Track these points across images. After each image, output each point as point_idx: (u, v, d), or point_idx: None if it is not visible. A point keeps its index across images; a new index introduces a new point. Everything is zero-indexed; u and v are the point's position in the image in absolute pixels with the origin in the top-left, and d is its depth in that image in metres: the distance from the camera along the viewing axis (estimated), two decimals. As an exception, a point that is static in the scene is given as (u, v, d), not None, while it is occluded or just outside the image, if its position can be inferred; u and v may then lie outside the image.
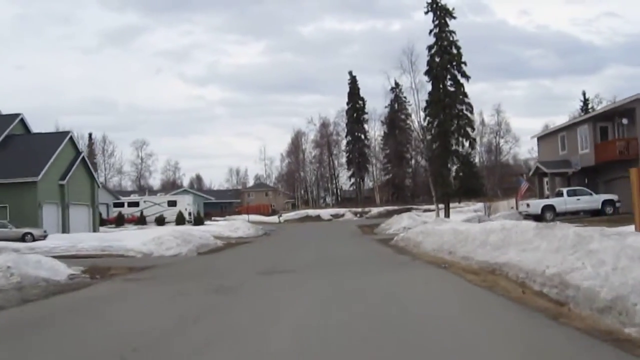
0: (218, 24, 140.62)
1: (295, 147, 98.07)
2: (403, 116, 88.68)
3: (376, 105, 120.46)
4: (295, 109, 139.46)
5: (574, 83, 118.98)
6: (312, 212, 75.19)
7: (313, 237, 38.03)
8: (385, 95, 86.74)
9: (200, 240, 29.22)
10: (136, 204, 64.63)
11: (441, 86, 37.28)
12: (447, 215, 38.91)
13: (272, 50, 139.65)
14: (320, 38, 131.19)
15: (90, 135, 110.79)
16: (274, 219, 74.78)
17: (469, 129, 36.85)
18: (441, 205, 43.21)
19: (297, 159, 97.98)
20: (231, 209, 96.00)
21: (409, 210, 73.04)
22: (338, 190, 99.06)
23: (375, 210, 74.22)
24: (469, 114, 37.07)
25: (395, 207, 73.92)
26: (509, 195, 60.60)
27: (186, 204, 64.89)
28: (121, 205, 64.40)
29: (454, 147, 37.78)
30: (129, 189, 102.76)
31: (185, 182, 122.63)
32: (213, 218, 77.85)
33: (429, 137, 41.11)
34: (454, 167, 43.46)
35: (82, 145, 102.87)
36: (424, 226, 24.79)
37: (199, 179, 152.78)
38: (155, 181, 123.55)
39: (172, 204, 64.15)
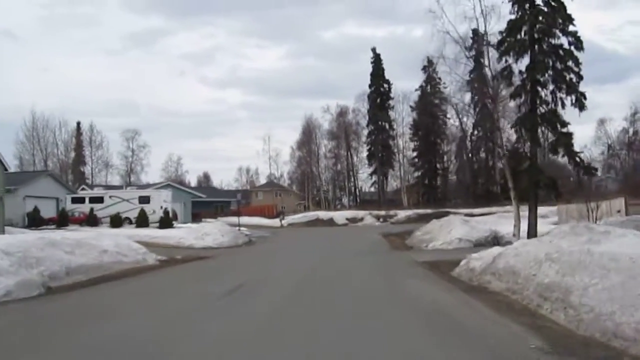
0: (240, 27, 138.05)
1: (307, 138, 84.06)
2: (437, 100, 74.22)
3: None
4: (316, 113, 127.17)
5: (596, 92, 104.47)
6: (323, 214, 61.21)
7: (313, 252, 25.22)
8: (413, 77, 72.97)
9: (84, 257, 15.45)
10: (100, 200, 51.21)
11: (527, 5, 22.44)
12: (531, 223, 24.33)
13: (293, 54, 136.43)
14: (341, 43, 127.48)
15: (78, 124, 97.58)
16: (276, 222, 60.95)
17: (573, 77, 21.84)
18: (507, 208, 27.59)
19: (309, 151, 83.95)
20: (228, 209, 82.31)
21: (445, 214, 58.80)
22: (357, 190, 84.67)
23: (402, 214, 60.08)
24: (575, 51, 21.96)
25: (428, 211, 59.63)
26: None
27: (162, 201, 51.11)
28: (81, 200, 51.11)
29: (550, 106, 22.61)
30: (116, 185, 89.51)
31: (193, 181, 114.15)
32: (203, 219, 64.66)
33: (502, 89, 26.37)
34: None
35: (68, 134, 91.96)
36: (553, 245, 10.40)
37: (206, 177, 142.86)
38: (150, 177, 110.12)
39: (144, 200, 50.56)
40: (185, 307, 9.92)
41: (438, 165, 75.49)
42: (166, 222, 40.28)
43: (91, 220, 43.12)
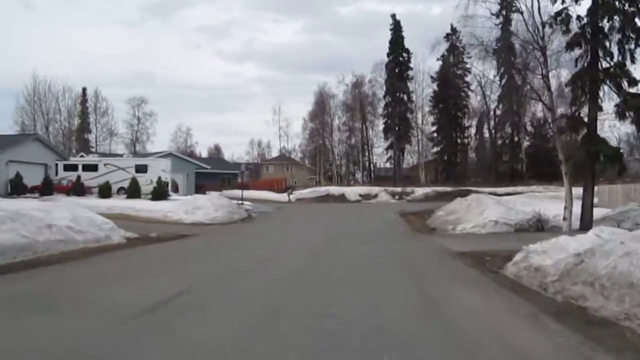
0: (256, 1, 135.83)
1: (321, 109, 79.51)
2: (460, 71, 69.34)
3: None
4: (330, 83, 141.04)
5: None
6: (335, 189, 56.95)
7: (318, 234, 21.21)
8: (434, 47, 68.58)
9: (10, 233, 11.58)
10: (94, 168, 47.46)
11: None
12: (586, 206, 19.70)
13: (310, 29, 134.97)
14: (358, 19, 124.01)
15: (84, 90, 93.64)
16: (284, 196, 56.86)
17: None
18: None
19: (322, 123, 79.52)
20: (235, 182, 78.35)
21: (466, 192, 54.41)
22: (371, 165, 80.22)
23: (419, 192, 55.73)
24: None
25: (448, 189, 55.39)
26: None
27: (160, 171, 47.21)
28: (73, 168, 47.41)
29: (616, 60, 17.84)
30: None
31: (204, 154, 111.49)
32: (208, 192, 60.78)
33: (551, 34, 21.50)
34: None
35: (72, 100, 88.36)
36: None
37: (217, 149, 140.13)
38: (157, 147, 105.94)
39: (141, 169, 46.91)
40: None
41: (459, 141, 70.63)
42: (159, 193, 36.35)
43: (78, 189, 39.27)
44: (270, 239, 19.42)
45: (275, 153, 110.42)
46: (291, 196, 55.23)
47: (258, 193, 61.58)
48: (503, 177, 63.35)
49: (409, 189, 56.85)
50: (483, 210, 22.61)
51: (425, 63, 72.17)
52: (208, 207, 28.38)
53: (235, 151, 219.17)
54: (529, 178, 59.93)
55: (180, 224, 25.59)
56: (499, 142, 67.49)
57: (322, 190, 56.83)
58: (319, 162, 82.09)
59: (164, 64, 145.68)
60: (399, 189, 56.90)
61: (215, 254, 15.13)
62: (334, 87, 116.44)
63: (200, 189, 64.92)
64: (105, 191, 38.42)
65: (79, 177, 41.01)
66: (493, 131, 68.03)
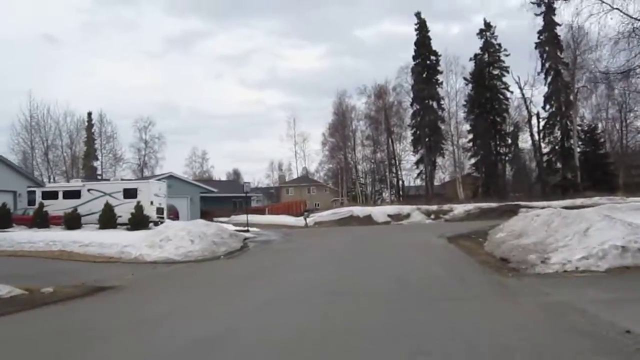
0: (277, 28, 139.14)
1: (340, 121, 71.80)
2: (497, 71, 61.24)
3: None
4: (350, 90, 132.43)
5: None
6: (359, 210, 48.85)
7: (330, 278, 13.26)
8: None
9: None
10: (76, 194, 40.53)
11: None
12: None
13: (331, 54, 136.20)
14: (378, 41, 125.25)
15: (89, 115, 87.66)
16: (302, 220, 49.07)
17: None
18: None
19: (342, 137, 71.62)
20: (248, 206, 70.94)
21: (515, 208, 46.21)
22: (400, 182, 71.96)
23: (459, 209, 47.46)
24: None
25: (492, 205, 47.28)
26: None
27: (152, 195, 40.07)
28: (53, 195, 40.69)
29: None
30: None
31: (223, 178, 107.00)
32: (214, 218, 53.55)
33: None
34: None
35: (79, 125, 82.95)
36: None
37: (236, 174, 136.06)
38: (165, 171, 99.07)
39: (129, 194, 39.77)
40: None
41: (499, 149, 62.11)
42: (138, 221, 28.83)
43: (40, 220, 31.90)
44: (241, 299, 11.47)
45: (295, 175, 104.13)
46: (308, 219, 47.36)
47: (271, 218, 54.07)
48: (552, 189, 54.92)
49: (446, 207, 48.60)
50: (586, 230, 14.53)
51: (457, 64, 63.43)
52: (182, 237, 20.76)
53: (257, 177, 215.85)
54: (583, 189, 51.37)
55: (140, 262, 18.09)
56: (547, 148, 58.83)
57: (345, 211, 48.82)
58: (340, 181, 74.29)
59: (188, 95, 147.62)
60: (434, 207, 48.69)
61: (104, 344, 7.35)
62: (355, 99, 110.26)
63: (206, 215, 57.60)
64: (72, 221, 31.18)
65: (41, 206, 33.75)
66: (537, 137, 59.45)
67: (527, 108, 59.64)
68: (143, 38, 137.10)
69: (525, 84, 59.09)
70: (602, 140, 59.47)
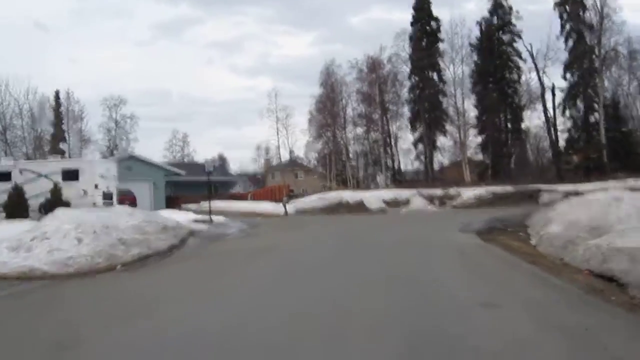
0: (268, 15, 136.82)
1: (328, 95, 63.91)
2: (507, 36, 53.63)
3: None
4: (339, 59, 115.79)
5: None
6: (349, 195, 41.39)
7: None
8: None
9: None
10: (6, 177, 32.83)
11: None
12: None
13: (322, 41, 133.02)
14: (369, 28, 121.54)
15: (57, 94, 79.17)
16: (289, 207, 41.49)
17: None
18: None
19: (331, 114, 63.72)
20: (226, 191, 63.44)
21: (535, 192, 39.16)
22: (396, 164, 64.23)
23: (468, 194, 40.24)
24: None
25: (509, 188, 40.25)
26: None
27: (98, 177, 32.56)
28: (-21, 178, 32.79)
29: None
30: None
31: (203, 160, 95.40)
32: (183, 205, 46.57)
33: None
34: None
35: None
36: None
37: (222, 159, 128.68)
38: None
39: (70, 175, 32.24)
40: None
41: (509, 126, 54.45)
42: (16, 210, 21.29)
43: None
44: None
45: (283, 159, 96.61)
46: (288, 207, 39.76)
47: (248, 205, 46.66)
48: (574, 171, 47.57)
49: (452, 191, 41.19)
50: None
51: (464, 26, 55.75)
52: (66, 233, 13.17)
53: (245, 163, 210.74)
54: (610, 170, 44.07)
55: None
56: (563, 125, 51.13)
57: (332, 196, 41.29)
58: (329, 163, 66.66)
59: (179, 81, 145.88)
60: (438, 192, 41.27)
61: None
62: (345, 69, 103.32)
63: (173, 201, 50.06)
64: None
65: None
66: (553, 113, 51.82)
67: (540, 80, 52.08)
68: (133, 25, 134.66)
69: (537, 53, 51.63)
70: (630, 115, 52.24)
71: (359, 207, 39.84)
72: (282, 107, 68.58)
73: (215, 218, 32.00)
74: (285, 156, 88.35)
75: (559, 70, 51.15)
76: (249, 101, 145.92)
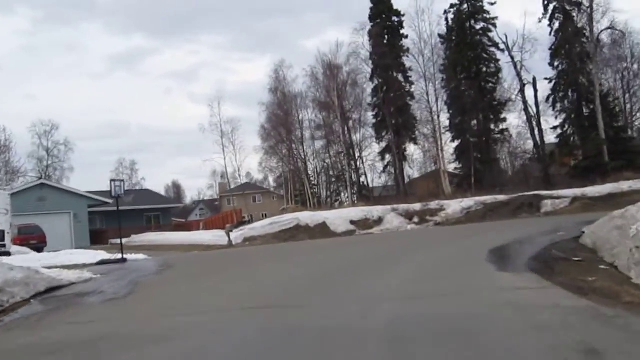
0: (223, 42, 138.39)
1: (280, 103, 56.56)
2: (481, 25, 47.21)
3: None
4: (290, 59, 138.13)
5: None
6: (308, 217, 33.52)
7: None
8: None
9: None
10: None
11: None
12: None
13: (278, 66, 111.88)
14: (324, 50, 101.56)
15: (-19, 126, 71.10)
16: (233, 235, 33.51)
17: None
18: None
19: (285, 124, 56.24)
20: (169, 221, 55.50)
21: (534, 200, 32.53)
22: (362, 179, 56.81)
23: (454, 207, 33.05)
24: None
25: (501, 198, 33.14)
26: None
27: (-19, 209, 25.19)
28: None
29: None
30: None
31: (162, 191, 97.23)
32: (110, 240, 39.04)
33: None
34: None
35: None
36: None
37: (176, 187, 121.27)
38: (79, 185, 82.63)
39: (-61, 210, 24.53)
40: None
41: (491, 126, 47.58)
42: None
43: None
44: None
45: (243, 180, 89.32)
46: (233, 235, 31.95)
47: (186, 236, 38.89)
48: (569, 174, 41.06)
49: (434, 205, 33.83)
50: None
51: (431, 15, 49.21)
52: None
53: (202, 189, 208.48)
54: (611, 170, 37.52)
55: None
56: (558, 120, 44.28)
57: (288, 220, 33.42)
58: (285, 182, 59.39)
59: (137, 112, 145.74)
60: (417, 206, 33.89)
61: None
62: (297, 71, 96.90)
63: (99, 235, 41.92)
64: None
65: None
66: (536, 111, 45.16)
67: (518, 75, 45.53)
68: (87, 58, 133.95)
69: (514, 44, 45.21)
70: (617, 109, 46.04)
71: (322, 231, 32.23)
72: (228, 119, 60.86)
73: (132, 256, 24.41)
74: (244, 179, 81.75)
75: (541, 64, 45.08)
76: (208, 129, 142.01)
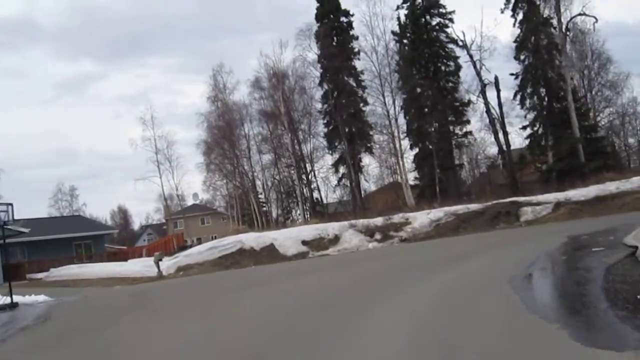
0: (171, 65, 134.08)
1: (222, 113, 51.67)
2: (437, 20, 43.46)
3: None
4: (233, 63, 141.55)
5: None
6: (253, 239, 28.77)
7: None
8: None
9: None
10: None
11: None
12: None
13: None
14: (266, 52, 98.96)
15: None
16: (167, 264, 28.34)
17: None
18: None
19: (227, 136, 51.22)
20: (102, 249, 49.53)
21: (512, 207, 28.84)
22: (315, 193, 52.19)
23: (421, 219, 28.74)
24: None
25: (474, 207, 29.07)
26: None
27: None
28: None
29: None
30: None
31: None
32: (28, 275, 33.62)
33: None
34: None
35: None
36: None
37: (122, 212, 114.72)
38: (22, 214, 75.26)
39: None
40: None
41: (455, 130, 43.56)
42: None
43: None
44: None
45: (195, 201, 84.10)
46: (163, 265, 26.90)
47: (111, 268, 33.24)
48: (545, 177, 37.43)
49: (397, 218, 29.43)
50: None
51: (384, 7, 45.24)
52: None
53: (150, 213, 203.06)
54: (589, 171, 33.93)
55: None
56: (526, 121, 40.51)
57: (229, 243, 28.51)
58: (229, 201, 54.62)
59: (87, 138, 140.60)
60: (378, 221, 29.41)
61: None
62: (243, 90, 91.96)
63: (14, 270, 36.15)
64: None
65: None
66: (499, 112, 41.49)
67: (478, 75, 41.82)
68: (33, 85, 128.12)
69: (472, 43, 41.61)
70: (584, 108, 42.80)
71: (270, 254, 27.53)
72: (162, 134, 55.43)
73: (30, 298, 19.57)
74: (190, 200, 77.03)
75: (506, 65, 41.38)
76: (159, 151, 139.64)
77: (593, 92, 48.69)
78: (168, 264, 28.26)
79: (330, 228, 30.00)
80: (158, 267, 26.61)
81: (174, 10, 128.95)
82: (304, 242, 28.59)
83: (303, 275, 17.07)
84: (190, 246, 41.79)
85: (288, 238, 29.17)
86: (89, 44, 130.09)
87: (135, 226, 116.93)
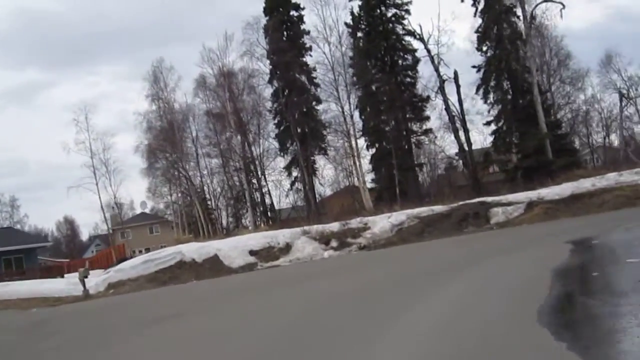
0: (121, 72, 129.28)
1: (163, 113, 48.28)
2: (393, 11, 40.94)
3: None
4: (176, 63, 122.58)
5: None
6: (195, 250, 25.58)
7: None
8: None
9: None
10: None
11: None
12: None
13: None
14: (209, 46, 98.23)
15: None
16: (93, 280, 24.79)
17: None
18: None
19: (171, 142, 47.76)
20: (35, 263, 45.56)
21: (481, 208, 26.43)
22: (266, 199, 49.03)
23: (383, 223, 26.04)
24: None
25: (439, 208, 26.43)
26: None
27: None
28: None
29: None
30: None
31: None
32: None
33: None
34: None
35: None
36: None
37: (69, 222, 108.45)
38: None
39: None
40: None
41: (414, 128, 41.15)
42: None
43: None
44: None
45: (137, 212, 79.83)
46: (90, 281, 23.48)
47: (31, 287, 29.43)
48: (511, 176, 35.30)
49: (355, 223, 26.64)
50: None
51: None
52: None
53: (99, 223, 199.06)
54: (558, 168, 31.85)
55: None
56: (490, 116, 38.27)
57: (167, 255, 25.19)
58: (173, 207, 51.24)
59: (36, 148, 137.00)
60: (334, 227, 26.57)
61: None
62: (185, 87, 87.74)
63: None
64: None
65: None
66: (459, 109, 39.26)
67: (436, 70, 39.52)
68: None
69: (429, 37, 39.30)
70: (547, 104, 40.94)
71: (213, 267, 24.39)
72: (98, 134, 51.41)
73: None
74: (138, 208, 73.29)
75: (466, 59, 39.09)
76: (111, 161, 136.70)
77: (552, 89, 47.19)
78: (98, 280, 24.79)
79: (280, 236, 26.95)
80: (84, 284, 23.08)
81: (122, 17, 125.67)
82: (251, 252, 25.48)
83: (245, 296, 14.04)
84: (123, 258, 38.32)
85: (234, 248, 26.01)
86: (34, 52, 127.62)
87: (84, 237, 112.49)
